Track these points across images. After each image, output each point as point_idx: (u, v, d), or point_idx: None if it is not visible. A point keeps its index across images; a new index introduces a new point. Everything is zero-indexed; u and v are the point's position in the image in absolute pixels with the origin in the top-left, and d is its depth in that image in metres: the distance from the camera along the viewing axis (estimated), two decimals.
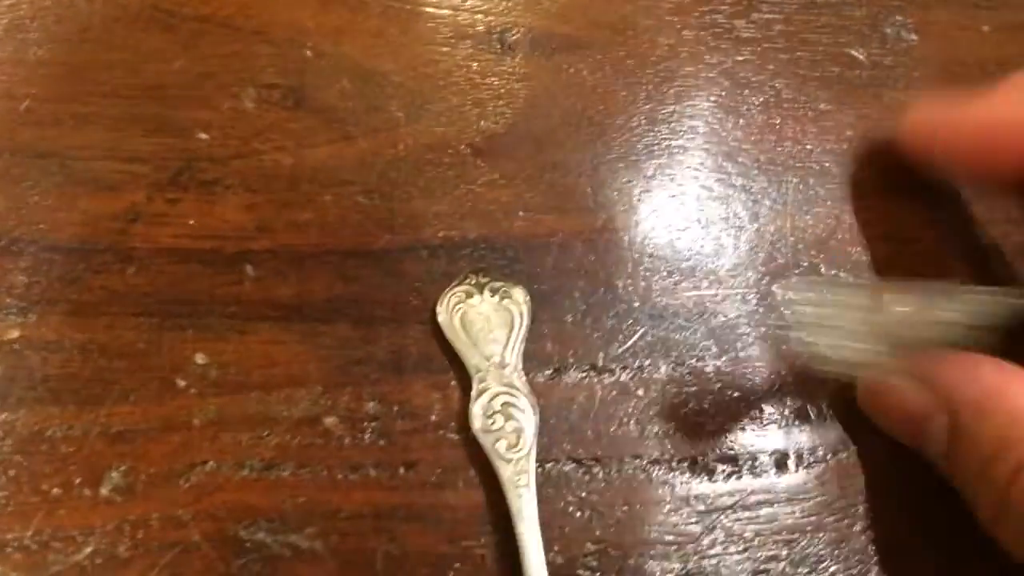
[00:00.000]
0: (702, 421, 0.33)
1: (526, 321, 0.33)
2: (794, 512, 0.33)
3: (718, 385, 0.34)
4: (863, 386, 0.33)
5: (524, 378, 0.32)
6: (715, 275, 0.36)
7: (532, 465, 0.30)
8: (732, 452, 0.33)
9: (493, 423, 0.31)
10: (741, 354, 0.34)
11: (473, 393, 0.32)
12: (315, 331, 0.33)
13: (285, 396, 0.32)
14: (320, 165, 0.36)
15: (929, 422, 0.30)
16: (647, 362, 0.34)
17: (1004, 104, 0.33)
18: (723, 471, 0.32)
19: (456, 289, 0.33)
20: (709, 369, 0.34)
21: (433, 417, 0.32)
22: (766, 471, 0.33)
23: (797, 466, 0.33)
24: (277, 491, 0.31)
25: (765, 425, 0.33)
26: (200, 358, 0.32)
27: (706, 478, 0.32)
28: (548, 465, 0.32)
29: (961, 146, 0.33)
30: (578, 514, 0.32)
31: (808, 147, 0.39)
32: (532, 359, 0.33)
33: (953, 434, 0.29)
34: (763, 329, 0.35)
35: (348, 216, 0.35)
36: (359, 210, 0.35)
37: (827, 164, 0.38)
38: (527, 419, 0.31)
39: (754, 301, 0.35)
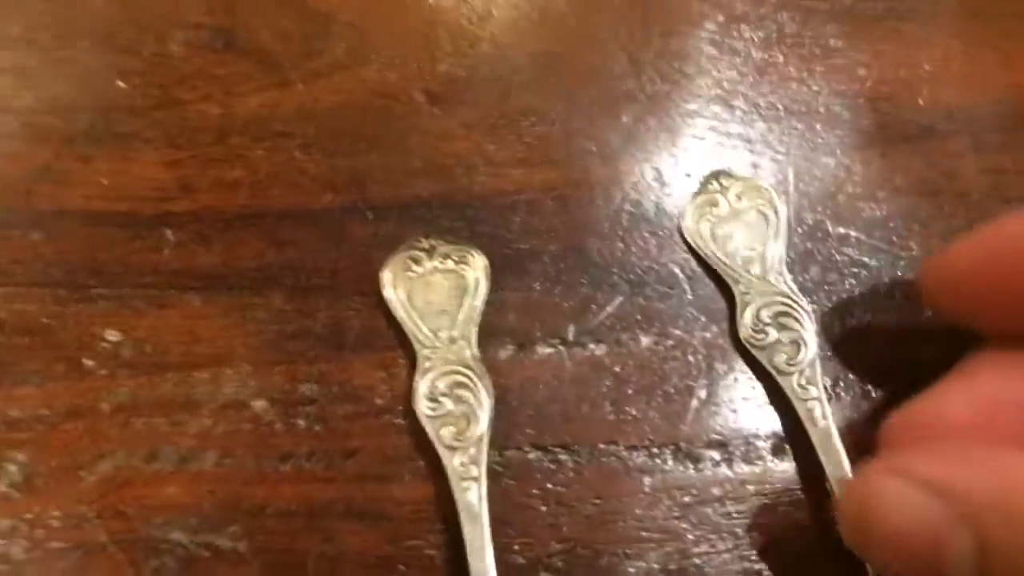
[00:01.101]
0: (688, 401, 0.31)
1: (484, 290, 0.31)
2: (792, 505, 0.30)
3: (707, 360, 0.32)
4: (844, 503, 0.25)
5: (478, 355, 0.30)
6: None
7: (483, 455, 0.28)
8: (722, 437, 0.30)
9: (439, 407, 0.29)
10: (732, 325, 0.32)
11: (417, 372, 0.29)
12: (244, 303, 0.31)
13: (208, 377, 0.30)
14: (252, 115, 0.34)
15: (946, 546, 0.22)
16: (625, 335, 0.32)
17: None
18: (711, 458, 0.30)
19: (404, 255, 0.31)
20: (696, 342, 0.32)
21: (378, 400, 0.30)
22: (761, 458, 0.30)
23: (796, 452, 0.31)
24: (196, 485, 0.29)
25: (761, 405, 0.31)
26: (111, 335, 0.30)
27: (692, 466, 0.30)
28: (509, 453, 0.30)
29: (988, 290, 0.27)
30: (543, 508, 0.29)
31: (815, 88, 0.36)
32: (492, 333, 0.31)
33: (984, 558, 0.22)
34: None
35: (283, 173, 0.33)
36: (296, 166, 0.33)
37: (836, 108, 0.36)
38: (479, 402, 0.29)
39: None
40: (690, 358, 0.32)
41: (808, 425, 0.30)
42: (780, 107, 0.35)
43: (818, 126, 0.35)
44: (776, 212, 0.34)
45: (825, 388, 0.31)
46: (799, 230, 0.34)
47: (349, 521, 0.29)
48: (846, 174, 0.34)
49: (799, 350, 0.31)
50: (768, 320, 0.32)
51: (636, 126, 0.35)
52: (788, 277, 0.33)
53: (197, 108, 0.34)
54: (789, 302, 0.32)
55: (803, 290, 0.33)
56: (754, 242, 0.33)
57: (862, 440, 0.30)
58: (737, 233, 0.34)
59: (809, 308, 0.32)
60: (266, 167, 0.33)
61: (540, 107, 0.34)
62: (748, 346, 0.31)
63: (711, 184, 0.34)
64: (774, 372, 0.31)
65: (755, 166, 0.35)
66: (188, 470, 0.29)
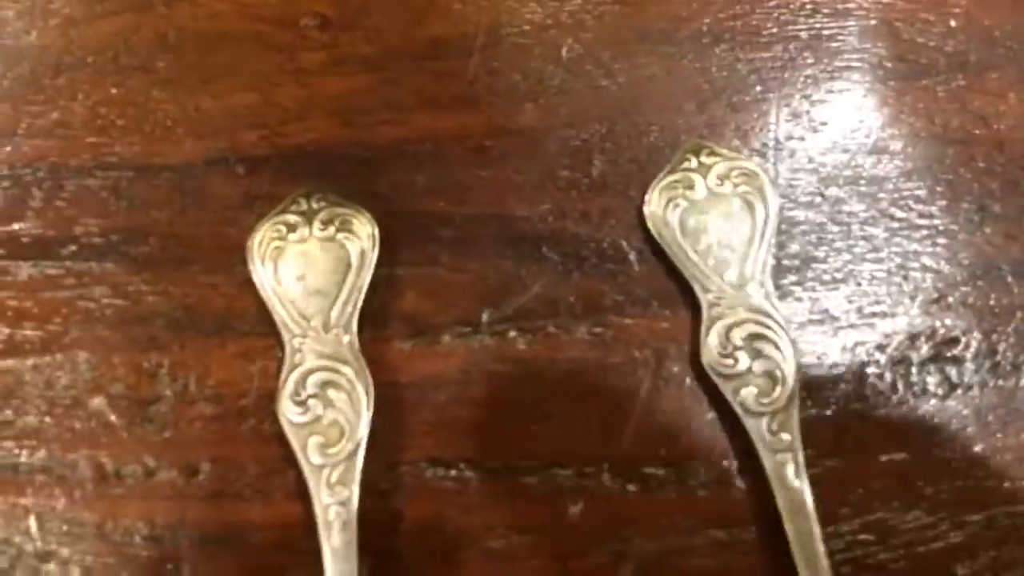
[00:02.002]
0: (630, 408, 0.27)
1: (370, 263, 0.28)
2: (747, 544, 0.26)
3: (656, 357, 0.28)
4: None
5: (357, 345, 0.27)
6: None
7: (356, 473, 0.24)
8: (672, 457, 0.26)
9: (306, 411, 0.25)
10: (688, 313, 0.28)
11: (284, 367, 0.26)
12: (79, 274, 0.28)
13: (35, 366, 0.27)
14: (100, 44, 0.31)
15: None
16: (553, 322, 0.28)
17: None
18: (657, 481, 0.26)
19: (276, 220, 0.28)
20: (644, 333, 0.27)
21: (240, 400, 0.27)
22: (717, 483, 0.25)
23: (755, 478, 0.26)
24: (17, 498, 0.26)
25: (722, 421, 0.26)
26: None
27: (632, 490, 0.25)
28: (402, 469, 0.27)
29: None
30: (439, 536, 0.26)
31: (810, 5, 0.31)
32: (383, 319, 0.28)
33: None
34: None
35: (135, 115, 0.30)
36: (151, 107, 0.30)
37: (841, 32, 0.30)
38: (355, 406, 0.25)
39: None
40: (635, 353, 0.27)
41: (775, 482, 0.25)
42: (770, 31, 0.31)
43: (816, 56, 0.31)
44: (766, 204, 0.28)
45: (811, 443, 0.26)
46: (785, 188, 0.29)
47: (200, 548, 0.26)
48: (850, 118, 0.30)
49: (774, 386, 0.26)
50: (740, 343, 0.26)
51: (582, 58, 0.30)
52: (772, 290, 0.27)
53: (32, 34, 0.30)
54: (768, 323, 0.27)
55: (783, 284, 0.28)
56: (734, 240, 0.28)
57: (842, 510, 0.26)
58: (713, 226, 0.28)
59: (791, 335, 0.27)
60: (115, 108, 0.30)
61: (456, 33, 0.31)
62: (710, 372, 0.26)
63: (687, 160, 0.29)
64: (739, 410, 0.26)
65: (732, 107, 0.30)
66: (8, 481, 0.26)
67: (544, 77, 0.30)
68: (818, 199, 0.29)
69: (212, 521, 0.26)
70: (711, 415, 0.27)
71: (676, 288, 0.28)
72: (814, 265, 0.28)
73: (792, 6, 0.31)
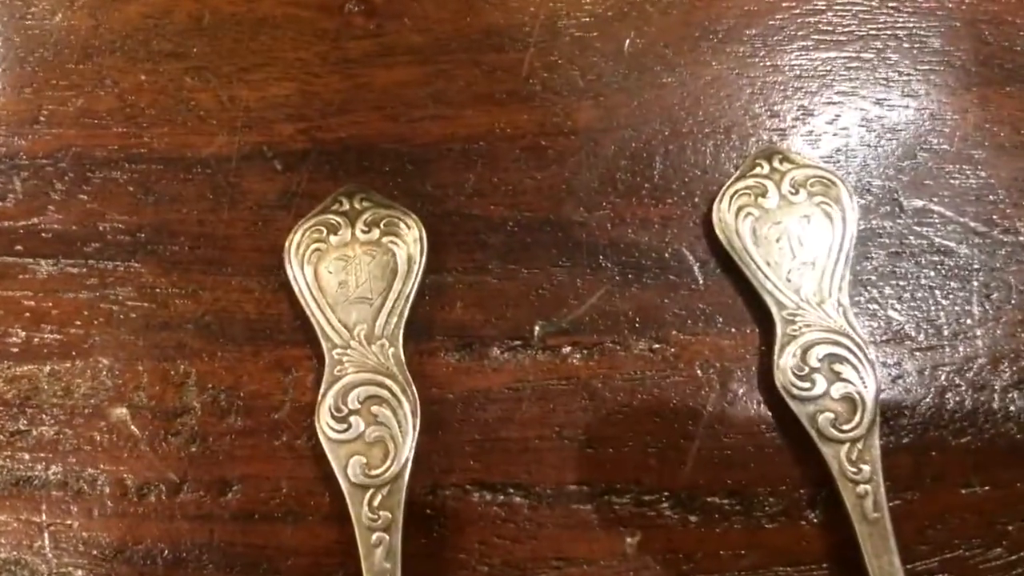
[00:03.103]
0: (693, 432, 0.25)
1: (418, 269, 0.26)
2: None
3: (721, 378, 0.26)
4: None
5: (403, 358, 0.25)
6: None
7: (401, 497, 0.23)
8: (737, 486, 0.24)
9: (348, 428, 0.23)
10: (757, 329, 0.26)
11: (324, 380, 0.24)
12: (102, 274, 0.27)
13: (54, 372, 0.26)
14: (131, 29, 0.29)
15: None
16: (611, 337, 0.26)
17: None
18: (721, 512, 0.24)
19: (317, 220, 0.26)
20: (708, 350, 0.26)
21: (273, 414, 0.26)
22: (786, 515, 0.23)
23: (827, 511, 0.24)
24: (31, 516, 0.25)
25: (792, 449, 0.24)
26: None
27: (694, 521, 0.23)
28: (445, 493, 0.25)
29: None
30: (484, 567, 0.24)
31: (892, 4, 0.29)
32: (428, 330, 0.27)
33: None
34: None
35: (167, 105, 0.29)
36: (184, 97, 0.29)
37: (921, 33, 0.28)
38: (402, 424, 0.24)
39: None
40: (699, 372, 0.26)
41: (854, 516, 0.23)
42: (844, 29, 0.29)
43: (894, 57, 0.29)
44: (845, 216, 0.26)
45: (889, 473, 0.24)
46: (860, 201, 0.27)
47: (228, 573, 0.24)
48: (930, 124, 0.28)
49: (854, 412, 0.24)
50: (817, 364, 0.25)
51: (645, 53, 0.28)
52: (850, 308, 0.25)
53: (57, 15, 0.29)
54: (848, 343, 0.25)
55: (858, 300, 0.26)
56: (811, 253, 0.26)
57: (920, 547, 0.24)
58: (788, 237, 0.26)
59: (875, 356, 0.25)
60: (146, 96, 0.29)
61: (511, 25, 0.29)
62: (784, 394, 0.25)
63: (759, 165, 0.27)
64: (816, 436, 0.24)
65: (805, 110, 0.28)
66: (23, 495, 0.25)
67: (604, 73, 0.29)
68: (895, 210, 0.28)
69: (241, 544, 0.25)
70: (782, 441, 0.25)
71: (744, 303, 0.26)
72: (891, 281, 0.26)
73: (872, 3, 0.29)
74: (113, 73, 0.29)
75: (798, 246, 0.26)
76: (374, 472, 0.24)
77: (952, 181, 0.28)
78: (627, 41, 0.29)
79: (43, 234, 0.27)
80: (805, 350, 0.25)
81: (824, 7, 0.29)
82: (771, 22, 0.29)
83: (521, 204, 0.28)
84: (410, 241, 0.26)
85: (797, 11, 0.29)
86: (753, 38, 0.29)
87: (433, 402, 0.25)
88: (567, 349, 0.26)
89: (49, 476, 0.25)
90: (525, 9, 0.29)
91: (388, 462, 0.24)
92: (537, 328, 0.26)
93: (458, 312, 0.27)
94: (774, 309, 0.26)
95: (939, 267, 0.27)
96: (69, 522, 0.25)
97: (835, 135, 0.28)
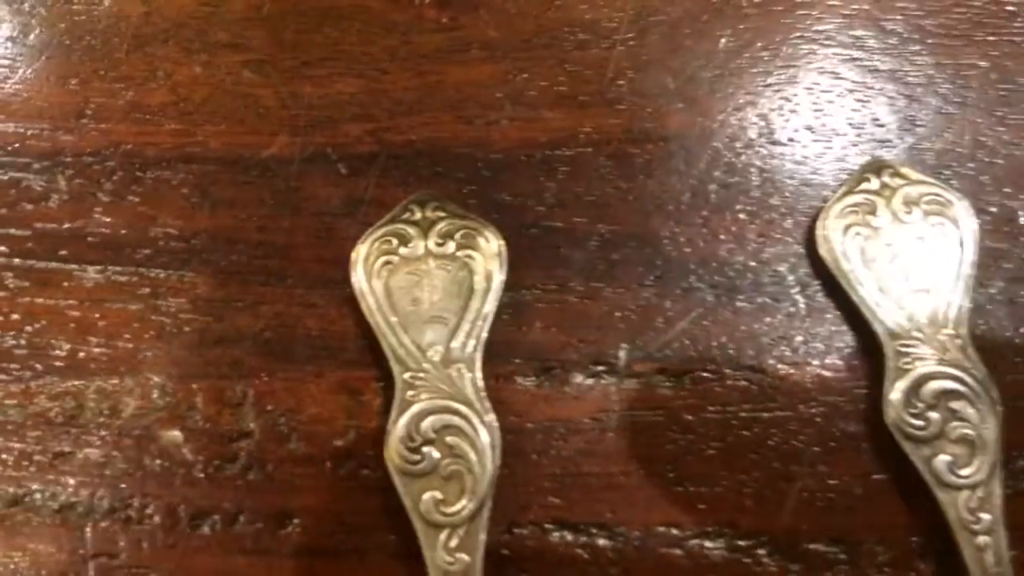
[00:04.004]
0: (794, 472, 0.23)
1: (497, 287, 0.24)
2: None
3: (826, 418, 0.24)
4: None
5: (482, 384, 0.23)
6: None
7: (480, 537, 0.21)
8: (841, 533, 0.23)
9: (421, 459, 0.21)
10: (866, 360, 0.24)
11: (395, 405, 0.23)
12: (154, 284, 0.25)
13: (97, 389, 0.24)
14: (186, 16, 0.28)
15: None
16: (704, 365, 0.25)
17: None
18: (824, 560, 0.22)
19: (387, 229, 0.25)
20: (811, 382, 0.24)
21: (336, 441, 0.24)
22: (896, 566, 0.22)
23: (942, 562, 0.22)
24: (76, 544, 0.23)
25: (903, 494, 0.23)
26: None
27: (794, 569, 0.22)
28: (522, 532, 0.23)
29: None
30: None
31: (1010, 8, 0.27)
32: (505, 353, 0.25)
33: None
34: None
35: (224, 101, 0.27)
36: (242, 92, 0.27)
37: None
38: (479, 455, 0.22)
39: None
40: (801, 406, 0.24)
41: (973, 569, 0.21)
42: (955, 33, 0.27)
43: (1011, 63, 0.26)
44: (963, 236, 0.24)
45: (1008, 522, 0.22)
46: (978, 220, 0.24)
47: None
48: None
49: (972, 455, 0.22)
50: (931, 400, 0.22)
51: (741, 52, 0.27)
52: (970, 341, 0.23)
53: (108, 3, 0.28)
54: (968, 379, 0.23)
55: (980, 331, 0.24)
56: (926, 277, 0.24)
57: None
58: (901, 259, 0.24)
59: (996, 393, 0.22)
60: (201, 91, 0.27)
61: (596, 19, 0.27)
62: (895, 432, 0.23)
63: (867, 180, 0.25)
64: (931, 482, 0.22)
65: (911, 121, 0.26)
66: (68, 523, 0.24)
67: (697, 75, 0.27)
68: (1015, 232, 0.25)
69: None
70: (892, 485, 0.23)
71: (851, 330, 0.24)
72: (1012, 310, 0.24)
73: (994, 7, 0.27)
74: (166, 65, 0.27)
75: (912, 269, 0.24)
76: (450, 510, 0.22)
77: None
78: (722, 40, 0.27)
79: (90, 238, 0.26)
80: (919, 385, 0.23)
81: (938, 8, 0.27)
82: (880, 23, 0.27)
83: (606, 217, 0.26)
84: (489, 256, 0.24)
85: (908, 12, 0.27)
86: (859, 40, 0.27)
87: (510, 431, 0.23)
88: (655, 377, 0.25)
89: (95, 503, 0.24)
90: (612, 3, 0.27)
91: (465, 499, 0.22)
92: (623, 353, 0.25)
93: (537, 333, 0.25)
94: (885, 339, 0.23)
95: None
96: (116, 553, 0.23)
97: (947, 149, 0.26)
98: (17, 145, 0.27)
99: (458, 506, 0.22)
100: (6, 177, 0.27)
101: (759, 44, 0.27)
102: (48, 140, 0.27)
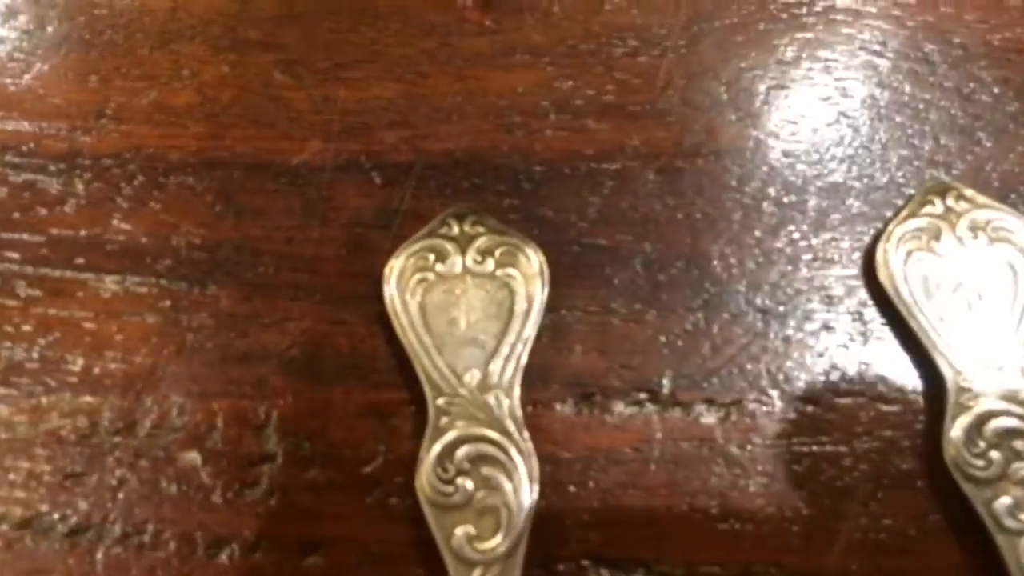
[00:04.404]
0: (846, 511, 0.22)
1: (538, 308, 0.23)
2: None
3: (881, 456, 0.22)
4: None
5: (520, 412, 0.22)
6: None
7: (516, 573, 0.20)
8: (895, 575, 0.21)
9: (453, 492, 0.20)
10: (924, 394, 0.23)
11: (427, 432, 0.22)
12: (175, 296, 0.25)
13: (112, 408, 0.23)
14: (214, 13, 0.27)
15: None
16: (753, 396, 0.24)
17: None
18: None
19: (422, 244, 0.24)
20: (867, 416, 0.23)
21: (364, 467, 0.23)
22: None
23: None
24: (79, 571, 0.22)
25: (961, 537, 0.21)
26: None
27: None
28: (559, 568, 0.22)
29: None
30: None
31: None
32: (544, 378, 0.24)
33: None
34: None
35: (253, 103, 0.26)
36: (272, 94, 0.26)
37: None
38: (516, 488, 0.21)
39: None
40: (855, 442, 0.22)
41: None
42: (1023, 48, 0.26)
43: None
44: None
45: None
46: None
47: None
48: None
49: None
50: (993, 439, 0.21)
51: (795, 65, 0.25)
52: None
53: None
54: None
55: None
56: (991, 309, 0.23)
57: None
58: (965, 289, 0.23)
59: None
60: (229, 92, 0.26)
61: (646, 25, 0.26)
62: (955, 471, 0.21)
63: (930, 203, 0.24)
64: (991, 525, 0.21)
65: (975, 141, 0.24)
66: (78, 548, 0.22)
67: (752, 86, 0.25)
68: None
69: None
70: (949, 527, 0.22)
71: (911, 362, 0.23)
72: None
73: None
74: (192, 63, 0.27)
75: (976, 299, 0.23)
76: (483, 546, 0.21)
77: None
78: (779, 50, 0.26)
79: (108, 246, 0.25)
80: (981, 422, 0.22)
81: (1005, 23, 0.26)
82: (946, 36, 0.26)
83: (652, 235, 0.25)
84: (530, 275, 0.23)
85: (975, 26, 0.26)
86: (923, 54, 0.26)
87: (547, 461, 0.22)
88: (701, 407, 0.23)
89: (107, 527, 0.22)
90: (664, 8, 0.26)
91: (500, 535, 0.21)
92: (667, 380, 0.23)
93: (578, 358, 0.24)
94: (946, 372, 0.22)
95: None
96: None
97: (1011, 171, 0.25)
98: (32, 145, 0.26)
99: (492, 543, 0.21)
100: (20, 179, 0.25)
101: (818, 55, 0.26)
102: (65, 141, 0.26)
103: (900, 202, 0.25)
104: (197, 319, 0.24)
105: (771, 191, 0.25)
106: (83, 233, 0.25)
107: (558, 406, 0.24)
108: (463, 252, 0.23)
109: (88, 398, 0.24)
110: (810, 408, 0.23)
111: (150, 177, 0.25)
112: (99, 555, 0.22)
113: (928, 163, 0.25)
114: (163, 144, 0.26)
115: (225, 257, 0.25)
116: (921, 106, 0.26)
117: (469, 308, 0.23)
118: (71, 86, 0.26)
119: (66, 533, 0.23)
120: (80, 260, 0.25)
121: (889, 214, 0.24)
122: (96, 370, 0.24)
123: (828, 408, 0.23)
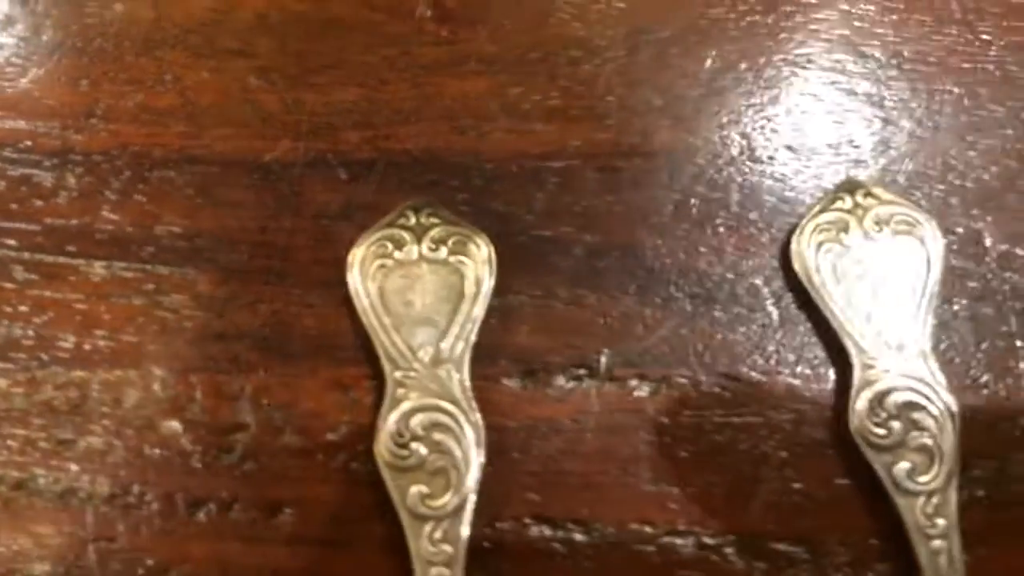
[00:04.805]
0: (762, 475, 0.24)
1: (486, 292, 0.25)
2: None
3: (793, 423, 0.24)
4: None
5: (469, 384, 0.24)
6: None
7: (464, 530, 0.21)
8: (805, 534, 0.23)
9: (409, 455, 0.22)
10: (833, 371, 0.25)
11: (385, 402, 0.23)
12: (157, 280, 0.26)
13: (101, 381, 0.25)
14: (195, 22, 0.28)
15: None
16: (680, 371, 0.25)
17: None
18: (788, 559, 0.23)
19: (382, 233, 0.25)
20: (781, 390, 0.25)
21: (329, 434, 0.24)
22: (855, 566, 0.23)
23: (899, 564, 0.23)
24: (78, 528, 0.23)
25: (864, 498, 0.23)
26: None
27: (760, 568, 0.23)
28: (503, 526, 0.24)
29: None
30: None
31: (984, 37, 0.27)
32: (491, 355, 0.25)
33: None
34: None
35: (229, 106, 0.27)
36: (248, 97, 0.27)
37: (1013, 67, 0.27)
38: (465, 453, 0.23)
39: None
40: (771, 413, 0.24)
41: (927, 571, 0.22)
42: (930, 60, 0.28)
43: (983, 91, 0.27)
44: (929, 258, 0.25)
45: (961, 527, 0.23)
46: (945, 240, 0.25)
47: None
48: (1019, 165, 0.26)
49: (931, 463, 0.23)
50: (893, 411, 0.23)
51: (729, 72, 0.27)
52: (932, 356, 0.24)
53: (117, 5, 0.28)
54: (927, 392, 0.23)
55: (942, 346, 0.25)
56: (892, 295, 0.25)
57: None
58: (869, 277, 0.25)
59: (955, 406, 0.23)
60: (208, 95, 0.27)
61: (589, 37, 0.28)
62: (859, 440, 0.23)
63: (841, 199, 0.26)
64: (891, 487, 0.23)
65: (885, 143, 0.26)
66: (69, 507, 0.24)
67: (683, 93, 0.27)
68: (980, 253, 0.26)
69: (292, 569, 0.23)
70: (854, 489, 0.24)
71: (820, 343, 0.25)
72: (974, 327, 0.25)
73: (969, 35, 0.28)
74: (175, 68, 0.27)
75: (880, 286, 0.25)
76: (435, 503, 0.22)
77: None
78: (708, 61, 0.28)
79: (97, 235, 0.26)
80: (882, 396, 0.24)
81: (915, 36, 0.28)
82: (859, 48, 0.28)
83: (592, 227, 0.26)
84: (480, 261, 0.25)
85: (886, 39, 0.28)
86: (839, 64, 0.28)
87: (494, 430, 0.24)
88: (634, 382, 0.25)
89: (96, 488, 0.24)
90: (605, 21, 0.28)
91: (450, 494, 0.22)
92: (603, 358, 0.25)
93: (523, 337, 0.25)
94: (852, 351, 0.24)
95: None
96: (115, 537, 0.23)
97: (918, 171, 0.27)
98: (29, 143, 0.27)
99: (443, 500, 0.22)
100: (17, 173, 0.26)
101: (743, 65, 0.28)
102: (58, 139, 0.27)
103: (815, 199, 0.26)
104: (178, 301, 0.25)
105: (699, 188, 0.26)
106: (75, 223, 0.26)
107: (504, 380, 0.25)
108: (419, 241, 0.25)
109: (79, 372, 0.25)
110: (731, 383, 0.25)
111: (136, 172, 0.26)
112: (88, 514, 0.24)
113: (843, 163, 0.27)
114: (148, 142, 0.26)
115: (203, 245, 0.26)
116: (837, 112, 0.27)
117: (424, 291, 0.24)
118: (64, 89, 0.27)
119: (58, 494, 0.24)
120: (72, 247, 0.26)
121: (805, 210, 0.26)
122: (86, 347, 0.25)
123: (747, 383, 0.25)
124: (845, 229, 0.26)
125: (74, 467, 0.24)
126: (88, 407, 0.25)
